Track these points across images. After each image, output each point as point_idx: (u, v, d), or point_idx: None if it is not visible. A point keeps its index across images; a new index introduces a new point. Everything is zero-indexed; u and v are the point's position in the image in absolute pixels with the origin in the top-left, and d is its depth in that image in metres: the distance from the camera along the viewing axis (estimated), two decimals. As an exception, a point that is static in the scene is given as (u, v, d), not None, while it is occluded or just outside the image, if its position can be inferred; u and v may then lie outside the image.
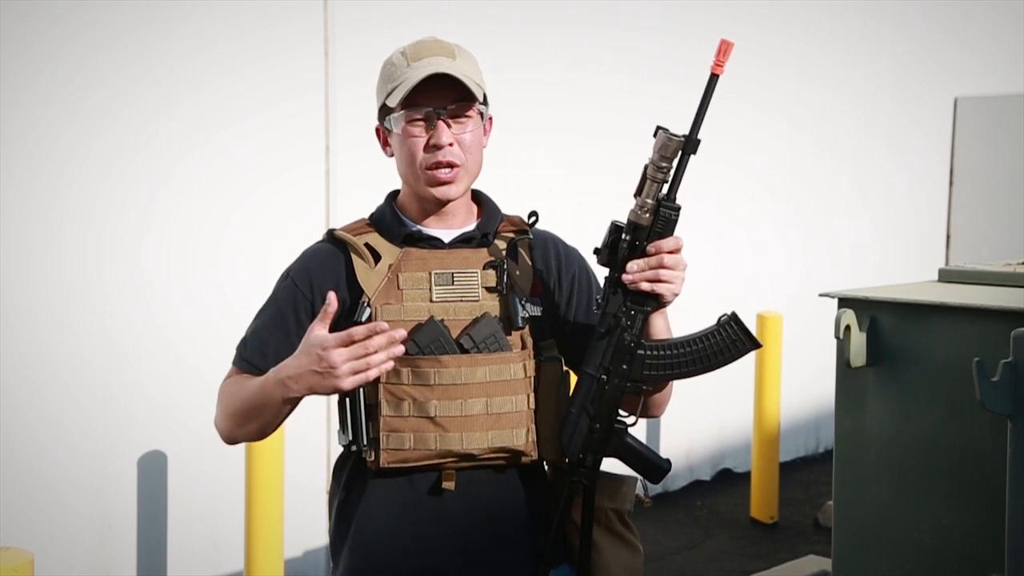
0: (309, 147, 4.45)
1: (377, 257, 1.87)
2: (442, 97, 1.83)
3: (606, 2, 5.57)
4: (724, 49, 1.74)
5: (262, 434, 1.89)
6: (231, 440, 1.94)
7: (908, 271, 6.59)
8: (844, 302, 2.31)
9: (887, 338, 2.27)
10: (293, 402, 1.79)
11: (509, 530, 1.89)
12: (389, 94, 1.85)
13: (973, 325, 2.14)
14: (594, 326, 1.90)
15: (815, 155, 6.94)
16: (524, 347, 1.86)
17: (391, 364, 1.70)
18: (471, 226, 1.93)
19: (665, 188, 1.78)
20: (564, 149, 5.44)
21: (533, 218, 1.96)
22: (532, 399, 1.86)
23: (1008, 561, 1.85)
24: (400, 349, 1.69)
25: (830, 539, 2.42)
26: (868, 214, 7.38)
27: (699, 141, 1.76)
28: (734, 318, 1.84)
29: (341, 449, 1.92)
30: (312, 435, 4.45)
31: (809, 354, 6.04)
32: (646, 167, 1.77)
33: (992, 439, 2.05)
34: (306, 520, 4.42)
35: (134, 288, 4.01)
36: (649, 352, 1.83)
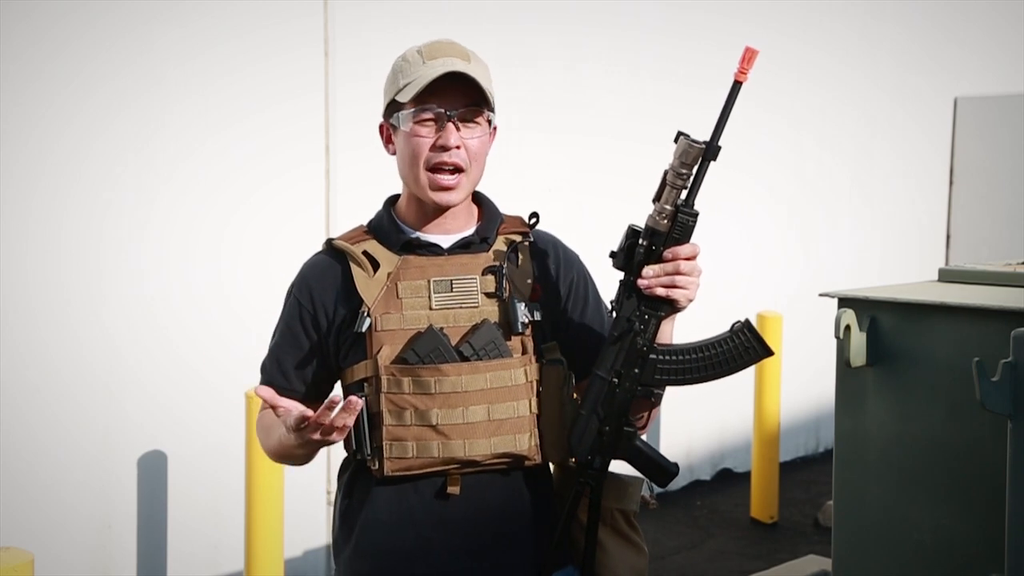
0: (309, 147, 4.45)
1: (376, 265, 1.86)
2: (454, 99, 1.83)
3: (606, 2, 5.57)
4: (748, 56, 1.73)
5: (307, 460, 1.94)
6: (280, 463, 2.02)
7: (908, 271, 6.59)
8: (844, 302, 2.31)
9: (887, 338, 2.27)
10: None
11: (514, 532, 1.89)
12: (400, 90, 1.84)
13: (973, 325, 2.14)
14: (591, 331, 1.91)
15: (815, 155, 6.94)
16: (525, 352, 1.86)
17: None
18: (470, 230, 1.92)
19: (684, 194, 1.78)
20: (564, 149, 5.44)
21: (534, 219, 1.96)
22: (535, 403, 1.86)
23: (1008, 561, 1.85)
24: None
25: (830, 539, 2.42)
26: (868, 214, 7.38)
27: (720, 148, 1.76)
28: (747, 325, 1.85)
29: (341, 450, 1.92)
30: (312, 435, 4.44)
31: (809, 354, 6.04)
32: (666, 172, 1.77)
33: (992, 439, 2.05)
34: (306, 520, 4.42)
35: (134, 288, 4.01)
36: (661, 357, 1.84)
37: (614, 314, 1.83)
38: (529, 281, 1.91)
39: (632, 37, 5.72)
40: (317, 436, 1.70)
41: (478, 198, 1.98)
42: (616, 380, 1.83)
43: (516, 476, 1.89)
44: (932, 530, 2.21)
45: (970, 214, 7.94)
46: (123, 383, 3.99)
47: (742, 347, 1.84)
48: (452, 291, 1.84)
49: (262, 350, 2.00)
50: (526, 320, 1.85)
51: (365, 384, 1.84)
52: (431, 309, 1.83)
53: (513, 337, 1.85)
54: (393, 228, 1.90)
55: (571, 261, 1.99)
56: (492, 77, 1.91)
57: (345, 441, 1.86)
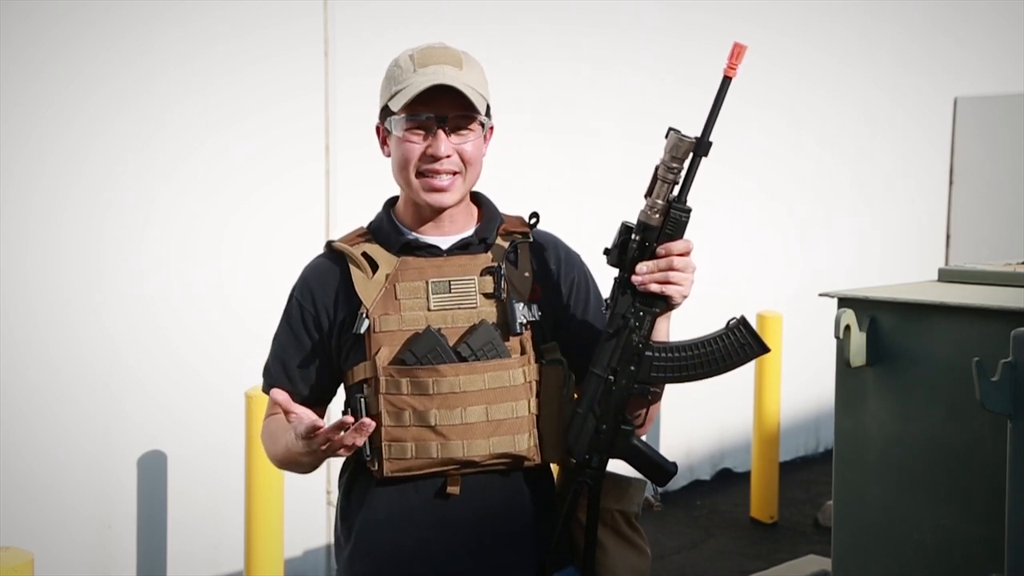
0: (309, 147, 4.45)
1: (375, 267, 1.86)
2: (444, 106, 1.82)
3: (606, 2, 5.57)
4: (737, 52, 1.75)
5: (312, 468, 1.91)
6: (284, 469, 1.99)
7: (908, 271, 6.59)
8: (844, 302, 2.31)
9: (887, 338, 2.27)
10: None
11: (514, 532, 1.89)
12: (392, 96, 1.84)
13: (973, 325, 2.14)
14: (593, 330, 1.90)
15: (815, 155, 6.94)
16: (523, 352, 1.86)
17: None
18: (469, 231, 1.92)
19: (676, 189, 1.78)
20: (564, 149, 5.44)
21: (534, 219, 1.96)
22: (534, 404, 1.86)
23: (1008, 561, 1.85)
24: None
25: (830, 539, 2.42)
26: (868, 214, 7.38)
27: (711, 143, 1.76)
28: (743, 322, 1.84)
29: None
30: (312, 435, 4.44)
31: (809, 354, 6.04)
32: (657, 168, 1.77)
33: (992, 439, 2.05)
34: (306, 520, 4.42)
35: (134, 288, 4.01)
36: (657, 354, 1.83)
37: (608, 312, 1.83)
38: (528, 280, 1.90)
39: (632, 37, 5.72)
40: (324, 448, 1.71)
41: (478, 199, 1.98)
42: (612, 378, 1.83)
43: (516, 476, 1.88)
44: (932, 530, 2.21)
45: (970, 214, 7.94)
46: (123, 383, 3.99)
47: (738, 344, 1.84)
48: (450, 292, 1.84)
49: (262, 350, 2.00)
50: (524, 320, 1.85)
51: (364, 385, 1.84)
52: (429, 310, 1.83)
53: (512, 338, 1.85)
54: (392, 230, 1.90)
55: (572, 260, 1.99)
56: (489, 78, 1.91)
57: None
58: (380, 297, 1.84)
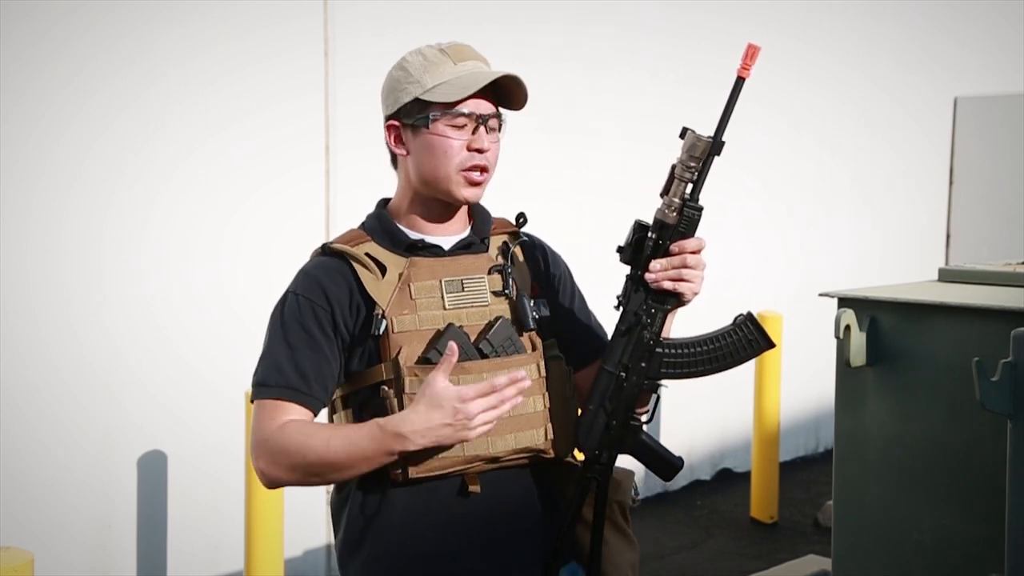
0: (309, 147, 4.45)
1: (382, 268, 1.84)
2: (482, 104, 1.84)
3: (606, 2, 5.57)
4: (751, 53, 1.76)
5: (338, 480, 1.84)
6: (280, 486, 1.84)
7: (908, 271, 6.59)
8: (844, 302, 2.31)
9: (887, 338, 2.27)
10: (403, 456, 1.75)
11: (528, 528, 1.90)
12: (428, 90, 1.82)
13: (973, 325, 2.14)
14: (581, 325, 1.95)
15: (815, 155, 6.94)
16: (535, 348, 1.88)
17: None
18: (466, 232, 1.93)
19: (689, 188, 1.80)
20: (564, 149, 5.44)
21: (521, 219, 1.98)
22: (546, 398, 1.88)
23: (1008, 561, 1.85)
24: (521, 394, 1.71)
25: (830, 539, 2.42)
26: (868, 214, 7.38)
27: (724, 143, 1.79)
28: (750, 318, 1.88)
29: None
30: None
31: (809, 354, 6.04)
32: (674, 167, 1.80)
33: (992, 439, 2.05)
34: (306, 520, 4.42)
35: (134, 288, 4.01)
36: (667, 350, 1.86)
37: (620, 309, 1.85)
38: (528, 278, 1.94)
39: (632, 37, 5.72)
40: (481, 421, 1.69)
41: None
42: (623, 374, 1.85)
43: (531, 471, 1.90)
44: (932, 530, 2.21)
45: (970, 214, 7.94)
46: (123, 383, 3.99)
47: (745, 340, 1.87)
48: (463, 291, 1.85)
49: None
50: (536, 316, 1.87)
51: (383, 387, 1.79)
52: (445, 309, 1.83)
53: (524, 334, 1.86)
54: (394, 230, 1.90)
55: (557, 258, 2.03)
56: None
57: None
58: (395, 297, 1.82)
